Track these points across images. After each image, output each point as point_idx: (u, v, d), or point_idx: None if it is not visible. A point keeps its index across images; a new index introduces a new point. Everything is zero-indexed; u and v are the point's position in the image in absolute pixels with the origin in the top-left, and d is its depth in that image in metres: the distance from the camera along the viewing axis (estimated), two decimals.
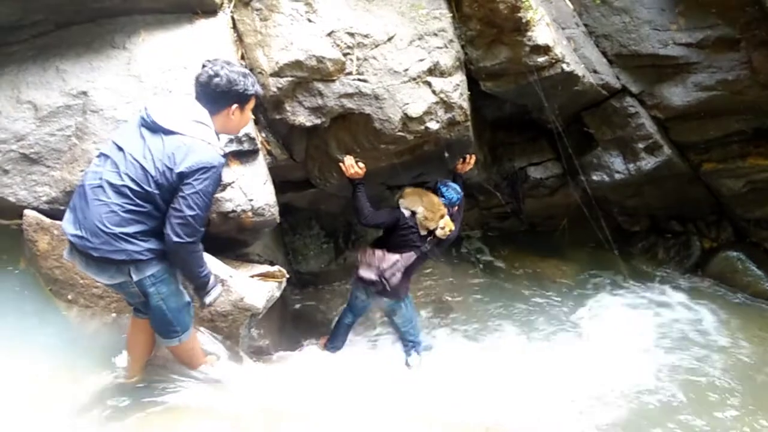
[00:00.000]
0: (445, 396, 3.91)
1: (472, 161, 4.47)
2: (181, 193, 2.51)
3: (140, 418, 2.74)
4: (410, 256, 4.12)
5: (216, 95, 2.65)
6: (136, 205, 2.53)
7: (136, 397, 2.91)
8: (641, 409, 4.13)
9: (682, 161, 5.46)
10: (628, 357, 4.75)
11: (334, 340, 4.55)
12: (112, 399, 2.88)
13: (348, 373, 4.11)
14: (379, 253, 4.11)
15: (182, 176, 2.50)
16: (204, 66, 2.68)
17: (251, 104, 2.82)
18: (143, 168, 2.52)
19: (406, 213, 4.15)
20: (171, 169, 2.50)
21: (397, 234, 4.16)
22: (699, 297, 5.66)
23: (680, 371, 4.60)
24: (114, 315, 3.32)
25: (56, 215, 3.26)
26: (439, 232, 4.10)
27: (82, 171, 3.30)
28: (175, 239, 2.52)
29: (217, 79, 2.62)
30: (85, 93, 3.41)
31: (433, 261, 5.41)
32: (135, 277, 2.62)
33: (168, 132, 2.54)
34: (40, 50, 3.50)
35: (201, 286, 2.79)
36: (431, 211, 4.12)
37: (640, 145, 5.25)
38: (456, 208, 4.30)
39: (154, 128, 2.57)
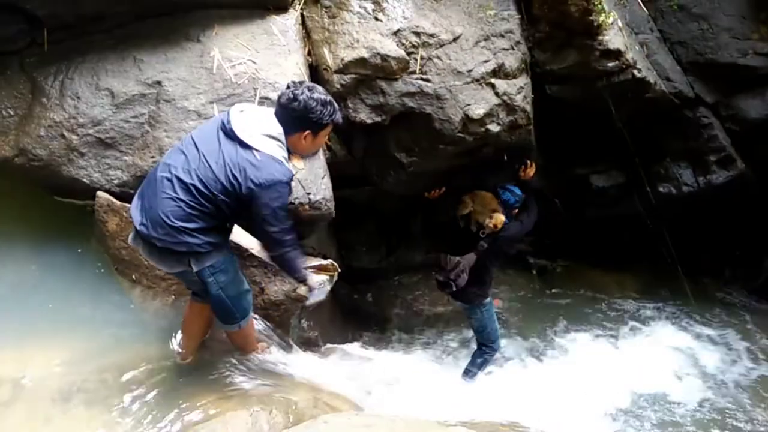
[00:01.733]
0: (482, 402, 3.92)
1: (533, 167, 4.40)
2: (261, 213, 2.63)
3: (191, 398, 2.83)
4: (471, 257, 4.17)
5: (291, 119, 2.70)
6: (200, 204, 2.61)
7: (188, 377, 3.01)
8: None
9: (757, 177, 5.19)
10: (675, 380, 4.60)
11: None
12: (166, 378, 2.99)
13: (394, 371, 4.13)
14: (446, 257, 4.25)
15: (253, 194, 2.58)
16: (288, 87, 2.73)
17: (326, 131, 2.85)
18: (213, 172, 2.60)
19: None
20: (240, 183, 2.58)
21: (456, 237, 4.23)
22: (762, 320, 5.38)
23: (730, 398, 4.41)
24: (173, 297, 3.44)
25: (126, 198, 3.40)
26: (487, 221, 4.08)
27: (152, 157, 3.44)
28: (273, 253, 2.94)
29: (295, 104, 2.67)
30: (159, 83, 3.54)
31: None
32: (195, 268, 2.72)
33: (244, 144, 2.62)
34: (120, 40, 3.64)
35: (299, 281, 3.24)
36: (481, 205, 4.13)
37: (712, 158, 5.04)
38: (516, 210, 4.27)
39: (231, 136, 2.65)
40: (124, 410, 2.76)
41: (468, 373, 4.44)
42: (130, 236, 2.84)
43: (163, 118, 3.48)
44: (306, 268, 3.67)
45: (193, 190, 2.60)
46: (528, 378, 4.58)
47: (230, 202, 2.63)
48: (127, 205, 3.29)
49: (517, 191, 4.26)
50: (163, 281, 3.44)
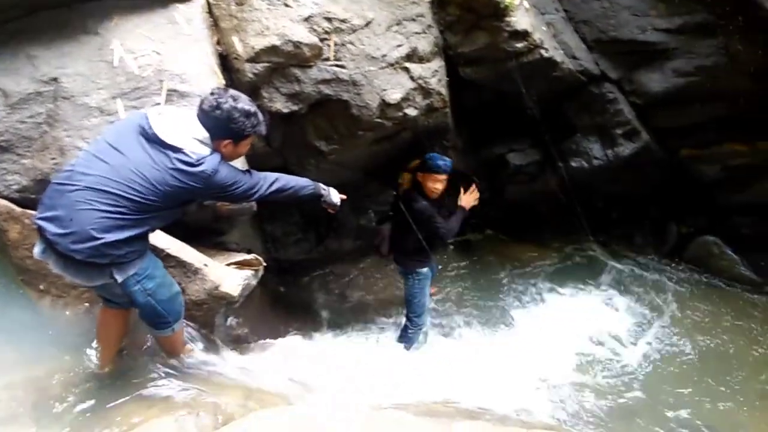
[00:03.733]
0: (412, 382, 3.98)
1: (475, 192, 4.46)
2: (230, 195, 2.77)
3: (112, 408, 2.72)
4: (386, 228, 4.42)
5: (213, 126, 2.65)
6: (134, 212, 2.53)
7: (108, 387, 2.89)
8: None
9: (660, 147, 5.49)
10: (593, 345, 4.83)
11: None
12: (84, 390, 2.86)
13: (328, 361, 4.12)
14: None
15: (209, 185, 2.62)
16: (212, 94, 2.69)
17: (247, 141, 2.82)
18: (149, 180, 2.52)
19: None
20: (189, 184, 2.57)
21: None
22: (674, 282, 5.72)
23: (650, 359, 4.68)
24: (86, 305, 3.28)
25: (27, 204, 3.21)
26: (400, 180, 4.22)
27: (53, 159, 3.25)
28: (278, 200, 3.07)
29: (218, 112, 2.63)
30: (56, 79, 3.34)
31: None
32: (119, 278, 2.61)
33: (174, 148, 2.56)
34: (11, 36, 3.41)
35: (314, 198, 3.17)
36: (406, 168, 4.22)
37: (618, 131, 5.28)
38: (433, 174, 4.04)
39: (157, 142, 2.56)
40: (39, 428, 2.62)
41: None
42: (37, 250, 2.64)
43: (62, 117, 3.30)
44: (229, 264, 3.62)
45: (127, 201, 2.51)
46: (455, 353, 4.67)
47: (166, 208, 2.62)
48: (29, 211, 3.12)
49: (439, 159, 4.03)
50: (74, 289, 3.28)
